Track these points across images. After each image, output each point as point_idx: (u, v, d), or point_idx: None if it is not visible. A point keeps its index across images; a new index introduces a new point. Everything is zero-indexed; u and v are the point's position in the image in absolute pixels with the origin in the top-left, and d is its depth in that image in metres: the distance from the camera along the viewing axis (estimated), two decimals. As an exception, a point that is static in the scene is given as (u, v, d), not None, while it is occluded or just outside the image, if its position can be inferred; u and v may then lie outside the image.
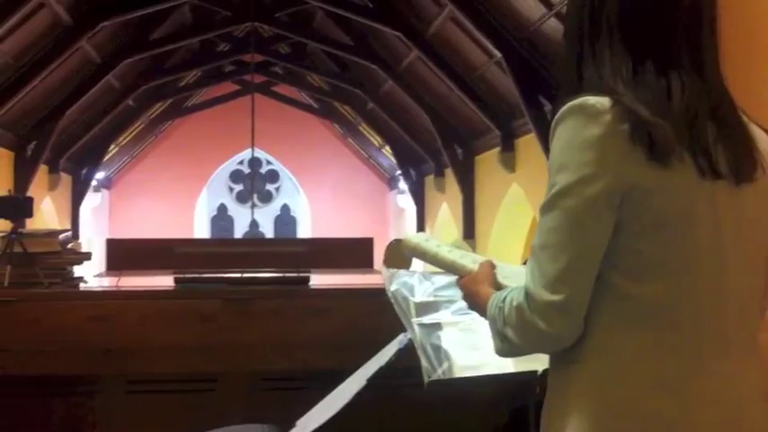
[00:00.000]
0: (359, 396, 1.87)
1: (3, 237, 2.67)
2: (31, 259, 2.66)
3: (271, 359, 2.67)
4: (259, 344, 2.65)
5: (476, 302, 1.49)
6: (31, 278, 2.68)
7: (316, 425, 1.90)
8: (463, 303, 1.92)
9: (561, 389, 1.40)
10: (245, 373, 2.65)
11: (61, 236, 2.81)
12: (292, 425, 2.07)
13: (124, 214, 16.78)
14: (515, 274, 1.48)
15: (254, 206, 15.96)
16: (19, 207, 2.72)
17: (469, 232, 12.14)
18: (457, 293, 2.03)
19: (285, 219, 18.53)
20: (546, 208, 1.36)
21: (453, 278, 2.02)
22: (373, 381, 1.90)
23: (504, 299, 1.39)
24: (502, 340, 1.39)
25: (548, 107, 8.74)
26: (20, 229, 2.70)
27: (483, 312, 1.45)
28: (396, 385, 2.04)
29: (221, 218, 18.38)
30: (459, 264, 1.58)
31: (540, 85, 8.70)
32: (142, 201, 17.02)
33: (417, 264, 1.89)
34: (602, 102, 1.35)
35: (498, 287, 1.47)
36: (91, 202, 15.09)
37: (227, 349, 2.65)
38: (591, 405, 1.35)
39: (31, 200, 2.79)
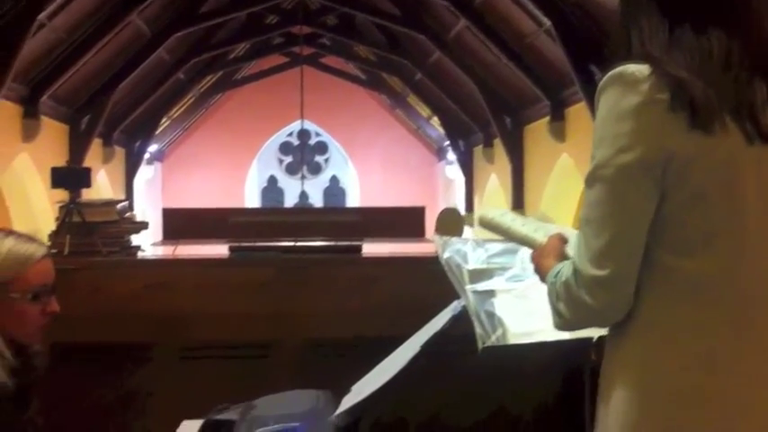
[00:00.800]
0: (413, 362, 1.88)
1: (62, 206, 2.73)
2: (90, 228, 2.71)
3: (324, 327, 2.69)
4: (312, 311, 2.68)
5: (541, 276, 1.49)
6: (90, 247, 2.74)
7: (370, 390, 1.91)
8: (517, 270, 1.92)
9: (612, 359, 1.41)
10: (299, 341, 2.69)
11: (119, 205, 2.86)
12: (347, 391, 2.08)
13: (176, 186, 17.00)
14: None
15: (303, 178, 16.05)
16: (78, 177, 2.78)
17: (518, 203, 12.06)
18: (510, 260, 2.03)
19: (334, 190, 18.60)
20: (588, 181, 1.35)
21: (507, 245, 2.02)
22: (427, 347, 1.91)
23: (558, 273, 1.38)
24: (556, 314, 1.39)
25: (598, 75, 8.58)
26: (78, 199, 2.75)
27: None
28: (449, 352, 2.04)
29: (271, 189, 18.51)
30: (531, 237, 1.60)
31: (591, 52, 8.55)
32: (194, 173, 17.22)
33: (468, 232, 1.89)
34: (640, 69, 1.31)
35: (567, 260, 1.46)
36: (144, 175, 15.31)
37: (281, 317, 2.68)
38: (636, 378, 1.35)
39: (89, 170, 2.84)
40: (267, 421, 2.07)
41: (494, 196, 13.59)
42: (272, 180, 18.71)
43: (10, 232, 1.88)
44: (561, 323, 1.40)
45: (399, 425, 2.55)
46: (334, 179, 18.80)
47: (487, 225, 1.72)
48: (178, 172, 17.36)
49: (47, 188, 9.86)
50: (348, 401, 2.00)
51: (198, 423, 2.23)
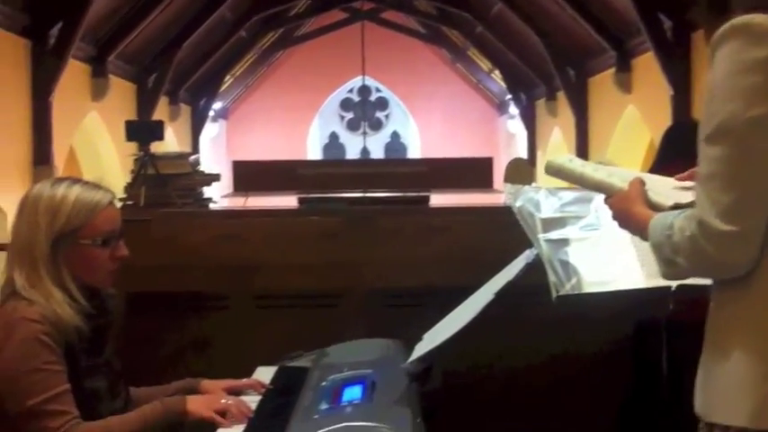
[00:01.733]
0: (486, 310, 1.88)
1: (137, 159, 2.78)
2: (164, 180, 2.76)
3: (393, 276, 2.71)
4: (382, 261, 2.70)
5: (630, 223, 1.47)
6: (164, 198, 2.80)
7: (443, 338, 1.92)
8: (591, 219, 1.89)
9: (731, 312, 1.38)
10: (369, 290, 2.71)
11: (191, 158, 2.91)
12: (418, 339, 2.09)
13: (240, 143, 17.17)
14: (667, 190, 1.45)
15: (364, 134, 16.06)
16: (151, 130, 2.83)
17: (582, 157, 11.78)
18: (584, 209, 2.00)
19: (395, 146, 18.58)
20: (711, 138, 1.33)
21: (581, 193, 1.99)
22: (501, 295, 1.90)
23: (672, 225, 1.36)
24: (668, 266, 1.37)
25: (667, 24, 8.36)
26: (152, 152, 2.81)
27: (638, 233, 1.44)
28: (523, 300, 2.03)
29: (333, 146, 18.58)
30: (608, 183, 1.56)
31: (659, 0, 8.31)
32: (256, 130, 17.37)
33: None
34: None
35: (651, 205, 1.44)
36: (209, 133, 15.51)
37: (351, 267, 2.70)
38: (757, 329, 1.34)
39: (161, 123, 2.89)
40: (340, 368, 2.10)
41: (557, 150, 13.39)
42: (334, 136, 18.76)
43: (76, 180, 1.91)
44: (674, 273, 1.39)
45: (472, 372, 2.57)
46: (395, 135, 18.76)
47: (556, 172, 1.69)
48: (242, 129, 17.53)
49: (116, 146, 10.07)
50: (421, 349, 2.01)
51: (272, 370, 2.27)
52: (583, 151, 11.85)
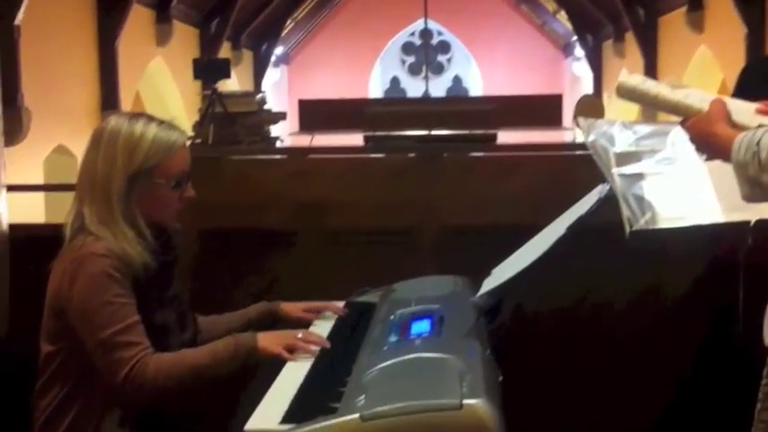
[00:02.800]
0: (558, 245, 1.84)
1: (205, 96, 2.79)
2: (232, 118, 2.78)
3: (461, 214, 2.70)
4: (450, 199, 2.69)
5: (711, 144, 1.41)
6: (232, 137, 2.81)
7: (512, 273, 1.90)
8: (668, 153, 1.83)
9: None
10: (437, 228, 2.71)
11: (258, 96, 2.92)
12: (486, 276, 2.08)
13: (302, 89, 17.17)
14: (748, 112, 1.39)
15: (426, 78, 15.90)
16: (217, 68, 2.83)
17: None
18: (661, 143, 1.94)
19: (457, 90, 18.36)
20: None
21: (657, 126, 1.93)
22: (573, 230, 1.86)
23: (759, 143, 1.31)
24: (752, 186, 1.33)
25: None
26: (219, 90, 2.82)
27: (719, 155, 1.38)
28: (595, 236, 2.00)
29: (394, 90, 18.45)
30: (685, 104, 1.49)
31: (737, -66, 7.97)
32: (318, 75, 17.34)
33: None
34: None
35: (734, 126, 1.38)
36: (271, 78, 15.54)
37: (420, 204, 2.70)
38: None
39: (227, 61, 2.90)
40: (408, 303, 2.10)
41: (624, 93, 13.08)
42: (395, 81, 18.62)
43: (152, 118, 1.91)
44: (757, 195, 1.35)
45: (542, 307, 2.56)
46: (456, 79, 18.53)
47: (628, 94, 1.62)
48: (303, 74, 17.52)
49: (181, 91, 10.18)
50: (489, 284, 2.00)
51: (340, 305, 2.29)
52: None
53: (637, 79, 1.61)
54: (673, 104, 1.52)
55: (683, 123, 1.49)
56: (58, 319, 1.82)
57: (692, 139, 1.46)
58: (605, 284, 2.54)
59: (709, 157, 1.47)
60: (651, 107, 1.59)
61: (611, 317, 2.59)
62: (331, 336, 2.03)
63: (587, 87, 14.96)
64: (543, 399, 2.56)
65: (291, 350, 1.85)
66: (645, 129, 1.98)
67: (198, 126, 2.86)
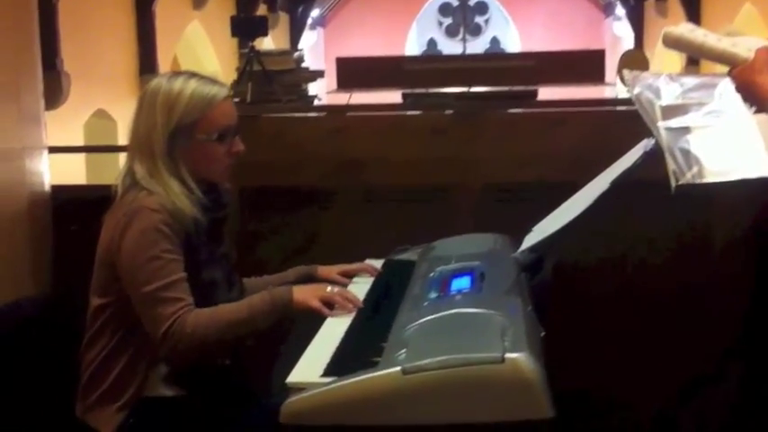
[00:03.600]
0: (602, 199, 1.81)
1: (242, 54, 2.78)
2: (269, 77, 2.77)
3: (502, 171, 2.67)
4: (490, 156, 2.66)
5: (755, 93, 1.37)
6: (270, 95, 2.80)
7: (555, 228, 1.87)
8: (715, 106, 1.79)
9: None
10: (478, 185, 2.69)
11: (295, 54, 2.90)
12: (527, 233, 2.06)
13: (338, 51, 16.97)
14: None
15: (463, 40, 15.73)
16: (255, 25, 2.82)
17: (694, 63, 11.34)
18: (708, 95, 1.89)
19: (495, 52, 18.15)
20: None
21: (704, 79, 1.88)
22: (616, 185, 1.83)
23: None
24: None
25: None
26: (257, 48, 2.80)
27: (765, 105, 1.34)
28: (639, 190, 1.96)
29: (431, 52, 18.30)
30: (731, 52, 1.45)
31: None
32: (354, 38, 17.24)
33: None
34: None
35: None
36: (307, 40, 15.48)
37: (459, 161, 2.68)
38: None
39: (265, 18, 2.88)
40: (448, 260, 2.09)
41: (666, 54, 12.84)
42: (432, 43, 18.45)
43: (192, 74, 1.91)
44: None
45: (584, 263, 2.54)
46: (494, 41, 18.30)
47: (675, 42, 1.58)
48: (339, 37, 17.42)
49: (218, 55, 10.19)
50: (531, 239, 1.98)
51: (379, 263, 2.29)
52: (694, 53, 11.30)
53: (683, 28, 1.57)
54: (719, 53, 1.48)
55: (729, 72, 1.45)
56: (107, 272, 1.84)
57: (738, 89, 1.42)
58: (649, 240, 2.50)
59: (758, 110, 1.43)
60: (698, 56, 1.54)
61: (655, 272, 2.56)
62: (370, 293, 2.03)
63: (628, 48, 14.70)
64: (585, 355, 2.55)
65: (328, 304, 1.85)
66: (692, 81, 1.93)
67: (236, 85, 2.85)
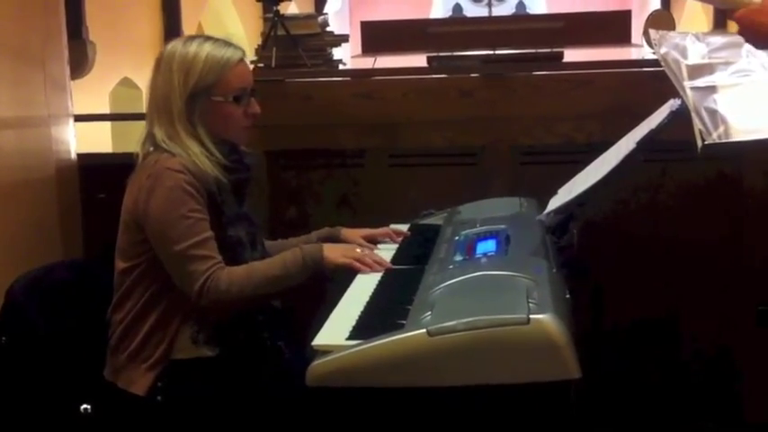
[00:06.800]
0: (628, 160, 1.80)
1: (266, 19, 2.78)
2: (294, 41, 2.76)
3: (530, 133, 2.66)
4: (518, 118, 2.65)
5: (759, 34, 1.34)
6: (295, 59, 2.80)
7: (581, 189, 1.86)
8: (743, 65, 1.77)
9: None
10: (506, 147, 2.68)
11: (320, 18, 2.89)
12: (553, 194, 2.05)
13: (363, 18, 16.92)
14: None
15: (489, 4, 15.54)
16: (283, -10, 2.80)
17: (721, 20, 11.12)
18: (735, 54, 1.87)
19: (521, 16, 17.94)
20: None
21: (731, 38, 1.86)
22: (643, 145, 1.81)
23: None
24: None
25: None
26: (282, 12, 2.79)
27: None
28: (666, 149, 1.94)
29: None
30: None
31: None
32: (379, 4, 17.07)
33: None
34: None
35: None
36: (332, 7, 15.37)
37: (487, 123, 2.67)
38: None
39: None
40: (473, 224, 2.09)
41: (694, 16, 12.61)
42: (457, 8, 18.22)
43: (208, 38, 1.93)
44: None
45: (610, 226, 2.53)
46: (520, 5, 18.01)
47: None
48: (364, 4, 17.27)
49: (243, 22, 10.16)
50: (557, 201, 1.97)
51: (404, 227, 2.30)
52: (722, 12, 11.09)
53: None
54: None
55: (734, 15, 1.43)
56: (133, 235, 1.87)
57: (741, 32, 1.39)
58: (676, 201, 2.48)
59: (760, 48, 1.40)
60: (717, 5, 1.53)
61: (683, 235, 2.54)
62: (396, 257, 2.04)
63: (655, 8, 14.46)
64: (612, 316, 2.55)
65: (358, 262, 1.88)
66: (718, 40, 1.91)
67: (260, 49, 2.85)
